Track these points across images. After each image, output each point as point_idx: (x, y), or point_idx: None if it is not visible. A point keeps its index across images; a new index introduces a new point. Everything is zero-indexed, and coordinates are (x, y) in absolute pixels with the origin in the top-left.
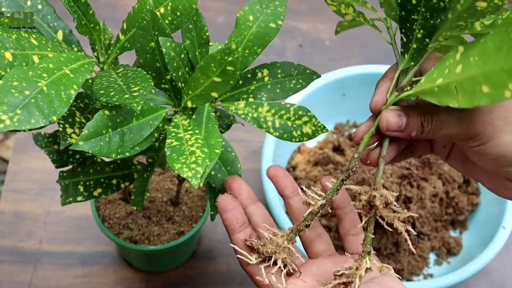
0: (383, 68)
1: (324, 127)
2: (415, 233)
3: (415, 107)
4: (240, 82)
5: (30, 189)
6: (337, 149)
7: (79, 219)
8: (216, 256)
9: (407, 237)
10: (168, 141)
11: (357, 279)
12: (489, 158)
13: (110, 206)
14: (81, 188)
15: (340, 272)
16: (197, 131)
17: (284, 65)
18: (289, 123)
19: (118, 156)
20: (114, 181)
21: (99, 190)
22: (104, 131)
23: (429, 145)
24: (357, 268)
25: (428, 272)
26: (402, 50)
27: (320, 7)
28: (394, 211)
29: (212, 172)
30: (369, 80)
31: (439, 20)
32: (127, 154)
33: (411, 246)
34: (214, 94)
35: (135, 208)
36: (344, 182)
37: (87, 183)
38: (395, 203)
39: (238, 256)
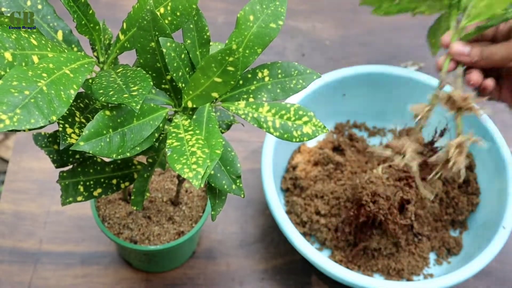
0: (383, 68)
1: (324, 127)
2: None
3: (476, 41)
4: (241, 82)
5: (30, 189)
6: (337, 149)
7: (79, 219)
8: (216, 256)
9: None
10: (168, 141)
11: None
12: None
13: (110, 206)
14: (81, 188)
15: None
16: (197, 132)
17: (284, 65)
18: (290, 123)
19: (119, 157)
20: (114, 181)
21: (99, 190)
22: (104, 132)
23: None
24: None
25: (428, 272)
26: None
27: (320, 7)
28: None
29: (212, 172)
30: (369, 80)
31: None
32: (128, 154)
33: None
34: (215, 94)
35: (135, 208)
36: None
37: (87, 183)
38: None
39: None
